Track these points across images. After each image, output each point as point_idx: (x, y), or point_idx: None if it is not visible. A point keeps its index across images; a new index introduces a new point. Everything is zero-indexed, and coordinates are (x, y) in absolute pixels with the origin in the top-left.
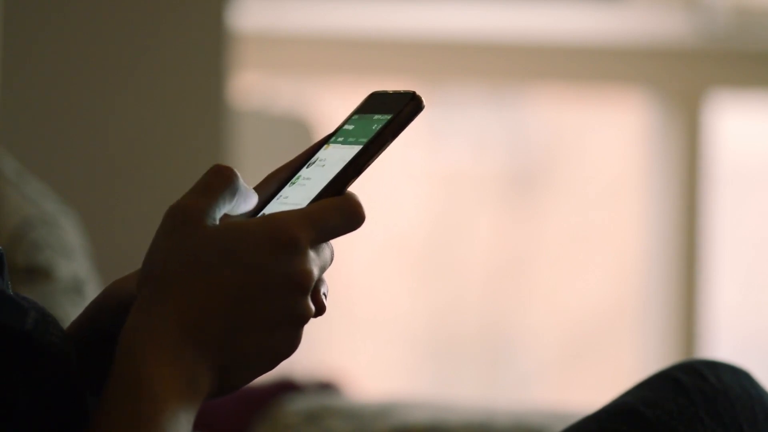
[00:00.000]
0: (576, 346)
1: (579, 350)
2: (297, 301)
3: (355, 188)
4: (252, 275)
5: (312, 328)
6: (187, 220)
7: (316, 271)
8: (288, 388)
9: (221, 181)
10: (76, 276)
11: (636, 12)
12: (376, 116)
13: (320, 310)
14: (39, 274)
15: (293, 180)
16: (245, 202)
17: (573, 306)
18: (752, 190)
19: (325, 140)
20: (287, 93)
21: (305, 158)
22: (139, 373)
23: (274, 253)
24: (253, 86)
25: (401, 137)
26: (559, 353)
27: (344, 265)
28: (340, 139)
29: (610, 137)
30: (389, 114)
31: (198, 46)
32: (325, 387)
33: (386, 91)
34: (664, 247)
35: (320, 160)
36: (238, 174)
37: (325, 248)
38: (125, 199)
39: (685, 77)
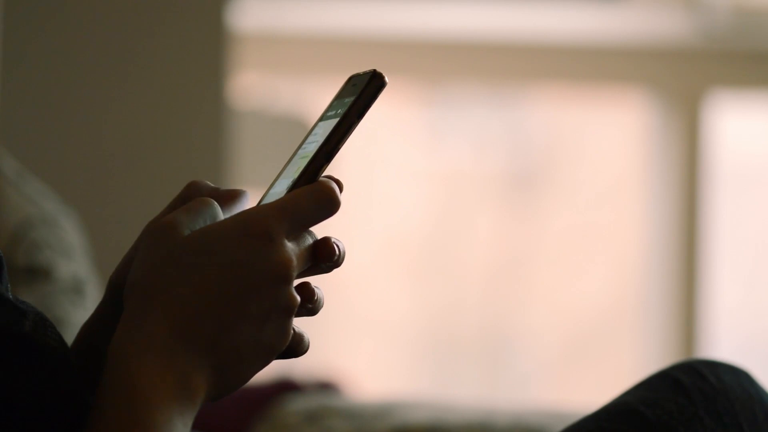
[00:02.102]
0: (576, 346)
1: (579, 350)
2: (280, 291)
3: (355, 187)
4: (232, 272)
5: (312, 329)
6: (167, 232)
7: (295, 260)
8: (288, 388)
9: (202, 205)
10: (76, 276)
11: (636, 12)
12: (346, 99)
13: (311, 299)
14: (39, 274)
15: (285, 167)
16: None
17: (573, 306)
18: (752, 191)
19: (313, 127)
20: (287, 93)
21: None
22: (131, 379)
23: (249, 247)
24: (253, 86)
25: (399, 134)
26: (559, 353)
27: (344, 265)
28: (320, 124)
29: (610, 137)
30: (353, 96)
31: (198, 46)
32: (325, 387)
33: (359, 73)
34: (664, 247)
35: (302, 148)
36: (217, 205)
37: (307, 237)
38: (125, 199)
39: (685, 77)
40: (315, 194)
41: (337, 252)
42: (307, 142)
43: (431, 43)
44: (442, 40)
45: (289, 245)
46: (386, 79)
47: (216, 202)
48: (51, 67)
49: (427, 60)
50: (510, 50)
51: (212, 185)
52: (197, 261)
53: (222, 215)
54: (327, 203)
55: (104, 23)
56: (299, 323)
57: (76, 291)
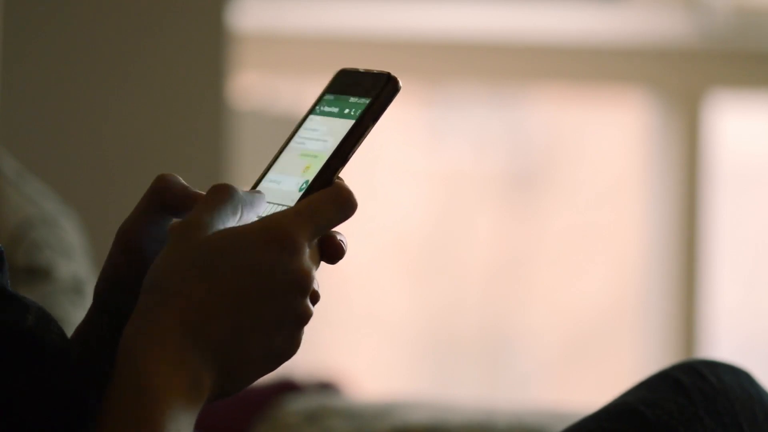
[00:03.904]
0: (576, 346)
1: (579, 350)
2: (298, 301)
3: (355, 187)
4: (253, 277)
5: (312, 328)
6: (189, 233)
7: (314, 270)
8: (288, 388)
9: (219, 196)
10: (76, 276)
11: (636, 12)
12: (352, 99)
13: (315, 302)
14: (39, 274)
15: (278, 158)
16: (252, 209)
17: (573, 306)
18: (752, 191)
19: (303, 120)
20: (287, 93)
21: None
22: (141, 374)
23: (273, 254)
24: (253, 86)
25: (399, 134)
26: (559, 353)
27: (344, 264)
28: (317, 120)
29: (610, 137)
30: (366, 98)
31: (198, 46)
32: (325, 387)
33: (357, 69)
34: (664, 247)
35: (300, 143)
36: (236, 187)
37: (314, 244)
38: (125, 199)
39: (685, 77)
40: (335, 198)
41: (343, 250)
42: (304, 137)
43: (431, 43)
44: (442, 40)
45: (309, 254)
46: (400, 83)
47: (236, 187)
48: (51, 67)
49: (427, 60)
50: (510, 50)
51: (183, 182)
52: (217, 262)
53: (246, 199)
54: (346, 206)
55: (104, 23)
56: None
57: (76, 291)
